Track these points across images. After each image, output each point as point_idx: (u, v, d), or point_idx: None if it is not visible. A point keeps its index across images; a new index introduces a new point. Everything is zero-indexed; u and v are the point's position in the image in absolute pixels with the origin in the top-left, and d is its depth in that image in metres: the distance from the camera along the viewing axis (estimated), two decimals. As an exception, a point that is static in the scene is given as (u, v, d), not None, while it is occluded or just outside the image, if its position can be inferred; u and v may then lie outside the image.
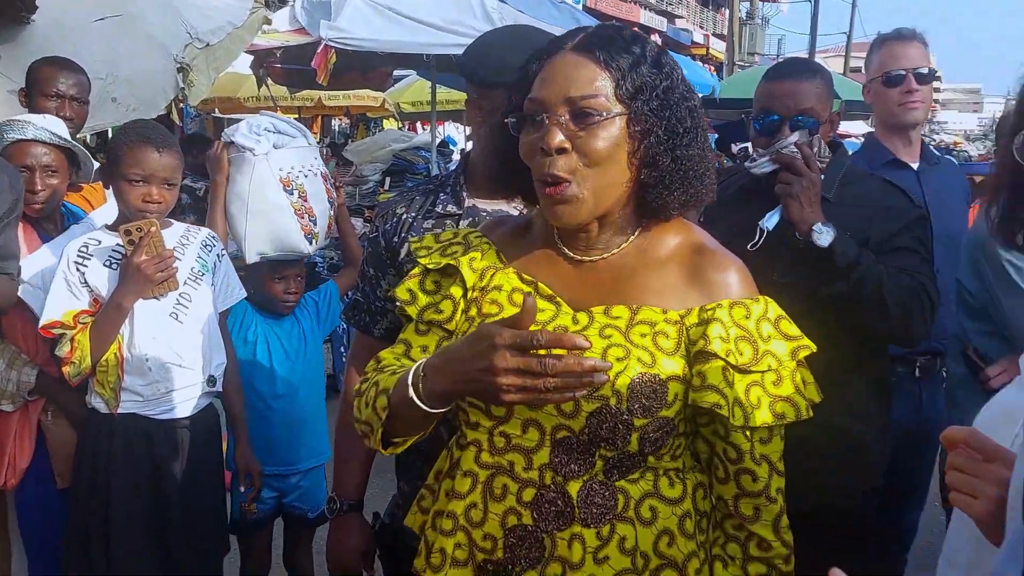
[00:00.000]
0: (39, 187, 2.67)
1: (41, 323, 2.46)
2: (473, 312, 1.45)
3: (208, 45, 4.06)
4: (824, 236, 2.05)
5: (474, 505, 1.39)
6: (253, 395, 2.94)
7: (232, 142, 2.93)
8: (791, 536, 1.40)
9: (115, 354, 2.48)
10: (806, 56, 26.20)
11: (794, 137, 2.15)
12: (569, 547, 1.33)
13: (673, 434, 1.36)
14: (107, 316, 2.45)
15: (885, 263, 2.12)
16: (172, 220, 2.64)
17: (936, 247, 2.61)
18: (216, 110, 10.14)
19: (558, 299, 1.42)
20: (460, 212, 1.94)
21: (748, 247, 2.03)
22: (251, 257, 2.92)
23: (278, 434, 2.99)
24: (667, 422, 1.33)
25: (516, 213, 1.92)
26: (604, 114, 1.30)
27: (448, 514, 1.41)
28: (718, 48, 31.82)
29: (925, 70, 2.87)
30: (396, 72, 7.42)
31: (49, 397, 2.62)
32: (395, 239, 1.97)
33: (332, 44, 5.02)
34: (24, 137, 2.70)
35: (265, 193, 2.89)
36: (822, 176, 2.18)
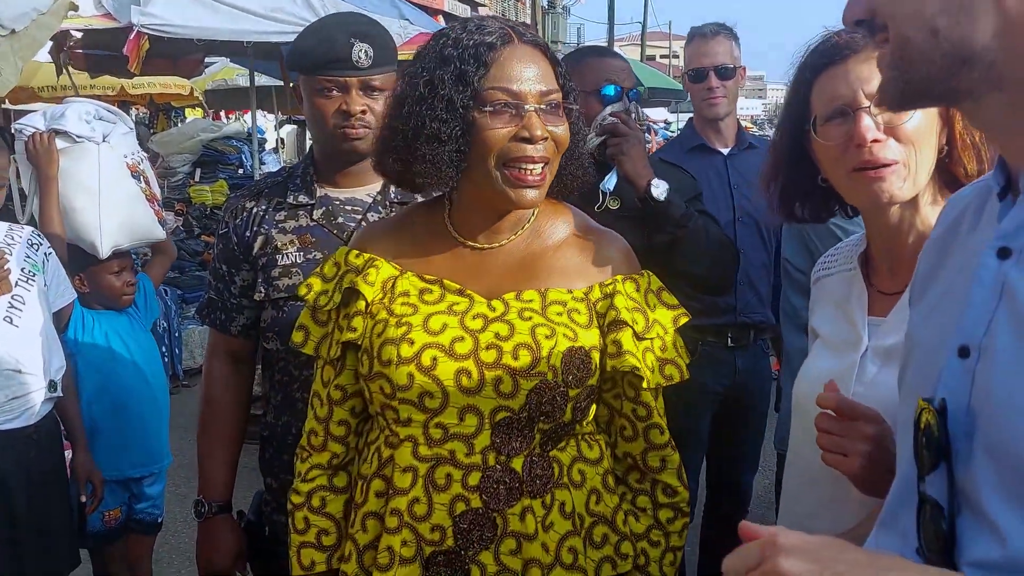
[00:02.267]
0: None
1: None
2: (383, 315, 1.45)
3: (13, 32, 3.78)
4: (660, 189, 2.23)
5: (417, 499, 1.40)
6: (107, 397, 2.83)
7: (60, 131, 2.77)
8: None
9: (-52, 364, 2.32)
10: (605, 44, 27.27)
11: (608, 109, 2.32)
12: (522, 520, 1.40)
13: (593, 400, 1.47)
14: None
15: None
16: None
17: (740, 228, 2.89)
18: (6, 100, 9.35)
19: (468, 291, 1.46)
20: (312, 201, 1.96)
21: (595, 208, 2.19)
22: (105, 252, 2.79)
23: (134, 436, 2.89)
24: (592, 390, 1.45)
25: (370, 200, 1.96)
26: (565, 107, 1.45)
27: (392, 511, 1.41)
28: (521, 36, 32.35)
29: (730, 66, 3.00)
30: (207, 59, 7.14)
31: None
32: (247, 233, 1.96)
33: (145, 31, 4.79)
34: None
35: (117, 182, 2.78)
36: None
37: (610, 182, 2.29)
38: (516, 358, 1.38)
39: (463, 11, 29.99)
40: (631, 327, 1.44)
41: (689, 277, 2.31)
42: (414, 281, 1.48)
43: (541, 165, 1.39)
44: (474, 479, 1.39)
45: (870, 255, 1.48)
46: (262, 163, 8.50)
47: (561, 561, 1.41)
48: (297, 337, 1.56)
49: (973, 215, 0.94)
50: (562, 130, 1.42)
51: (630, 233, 1.66)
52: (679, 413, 2.54)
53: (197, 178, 9.03)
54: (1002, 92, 0.80)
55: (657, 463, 1.52)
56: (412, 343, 1.40)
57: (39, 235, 2.61)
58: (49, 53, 5.92)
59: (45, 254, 2.58)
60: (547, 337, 1.40)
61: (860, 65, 1.34)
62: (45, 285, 2.54)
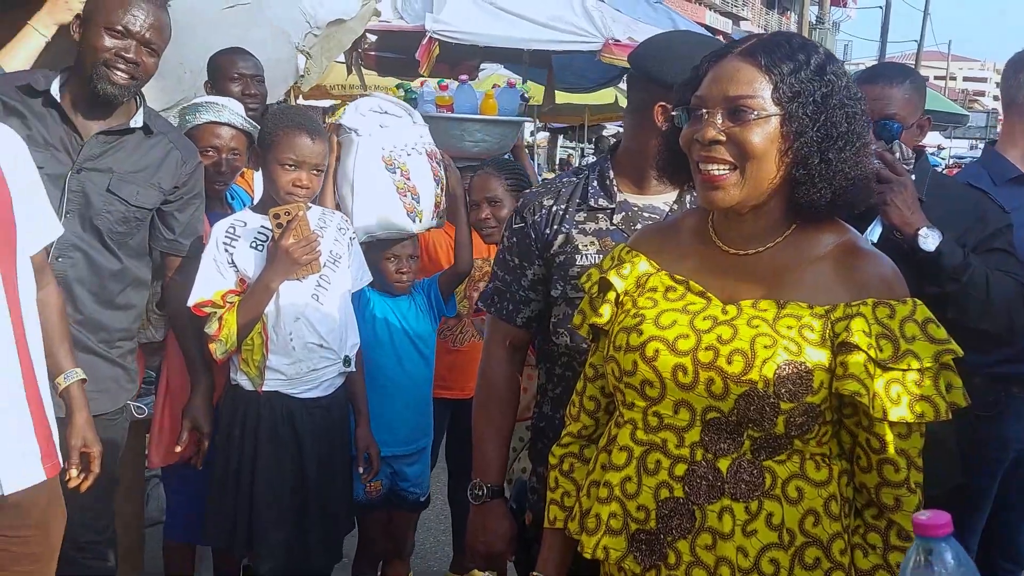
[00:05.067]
0: (224, 168, 2.80)
1: (190, 302, 2.53)
2: (629, 306, 1.56)
3: (323, 35, 4.13)
4: (930, 240, 2.07)
5: (629, 478, 1.49)
6: (375, 373, 2.96)
7: (340, 124, 2.97)
8: None
9: (260, 333, 2.55)
10: (875, 63, 25.74)
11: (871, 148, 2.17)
12: (719, 519, 1.42)
13: (819, 420, 1.42)
14: (254, 296, 2.53)
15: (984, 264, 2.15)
16: (311, 204, 2.70)
17: None
18: (300, 96, 10.29)
19: (708, 294, 1.50)
20: (613, 206, 1.99)
21: None
22: (359, 236, 2.94)
23: (398, 414, 3.01)
24: (813, 408, 1.40)
25: (666, 209, 1.98)
26: (759, 113, 1.41)
27: (604, 483, 1.52)
28: (783, 51, 31.34)
29: None
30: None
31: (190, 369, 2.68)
32: (547, 230, 2.00)
33: (437, 37, 5.07)
34: (219, 120, 2.84)
35: (368, 172, 2.91)
36: (912, 178, 2.19)
37: (874, 232, 2.14)
38: (730, 362, 1.40)
39: (724, 24, 29.61)
40: (865, 352, 1.37)
41: (964, 331, 2.12)
42: (664, 279, 1.56)
43: (721, 167, 1.43)
44: (680, 470, 1.44)
45: None
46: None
47: (760, 570, 1.41)
48: (576, 319, 1.70)
49: None
50: (748, 134, 1.41)
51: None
52: (973, 468, 2.36)
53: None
54: None
55: (891, 501, 1.43)
56: (641, 334, 1.49)
57: (348, 221, 2.80)
58: (344, 53, 6.42)
59: (350, 239, 2.77)
60: (766, 347, 1.40)
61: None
62: (348, 267, 2.72)
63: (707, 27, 27.12)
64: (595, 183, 2.02)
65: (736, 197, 1.44)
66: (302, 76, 4.02)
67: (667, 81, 1.88)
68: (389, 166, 2.94)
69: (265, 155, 2.58)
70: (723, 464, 1.43)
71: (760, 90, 1.42)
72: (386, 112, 3.03)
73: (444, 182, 3.10)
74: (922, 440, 1.44)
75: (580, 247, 1.97)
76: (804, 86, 1.42)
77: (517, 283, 2.06)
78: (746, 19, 32.63)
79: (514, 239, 2.07)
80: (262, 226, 2.58)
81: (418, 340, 3.12)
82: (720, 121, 1.43)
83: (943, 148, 21.89)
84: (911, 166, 2.23)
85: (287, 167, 2.54)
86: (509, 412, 2.11)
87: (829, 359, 1.39)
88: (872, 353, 1.37)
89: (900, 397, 1.37)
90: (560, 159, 18.44)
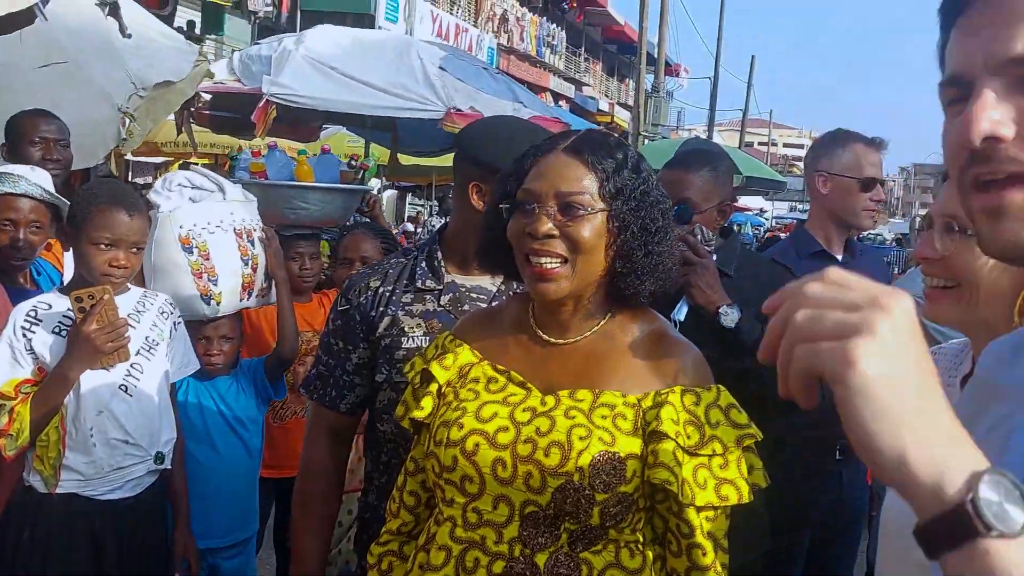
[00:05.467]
0: (22, 243, 2.60)
1: None
2: (451, 398, 1.55)
3: (149, 96, 3.94)
4: (729, 317, 2.20)
5: None
6: (187, 460, 2.76)
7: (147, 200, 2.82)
8: None
9: (57, 428, 2.32)
10: (705, 132, 27.30)
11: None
12: None
13: (633, 508, 1.46)
14: (50, 387, 2.30)
15: None
16: (130, 284, 2.51)
17: None
18: (129, 152, 9.83)
19: (528, 384, 1.53)
20: (440, 287, 1.97)
21: None
22: None
23: (215, 504, 2.83)
24: (626, 497, 1.43)
25: (494, 289, 1.98)
26: (589, 208, 1.46)
27: None
28: (622, 117, 32.88)
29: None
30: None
31: None
32: (372, 312, 1.96)
33: (274, 100, 4.95)
34: (15, 191, 2.64)
35: (165, 251, 2.77)
36: (715, 256, 2.34)
37: (681, 311, 2.26)
38: (547, 455, 1.42)
39: (567, 89, 30.67)
40: (674, 440, 1.41)
41: (766, 402, 2.21)
42: (487, 370, 1.56)
43: (553, 260, 1.46)
44: (498, 567, 1.44)
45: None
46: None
47: None
48: (399, 410, 1.66)
49: (1011, 356, 0.89)
50: (579, 229, 1.46)
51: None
52: (781, 529, 2.46)
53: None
54: None
55: None
56: (461, 427, 1.48)
57: (172, 304, 2.62)
58: (174, 113, 6.19)
59: (175, 323, 2.58)
60: (581, 439, 1.42)
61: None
62: (167, 355, 2.53)
63: (551, 91, 28.07)
64: (423, 264, 2.00)
65: (566, 289, 1.48)
66: (124, 139, 3.81)
67: (484, 161, 1.91)
68: (186, 245, 2.78)
69: (76, 234, 2.38)
70: (541, 559, 1.43)
71: (589, 187, 1.47)
72: (197, 187, 2.89)
73: (258, 261, 2.95)
74: (727, 521, 1.49)
75: (406, 329, 1.93)
76: (626, 183, 1.49)
77: (341, 367, 2.00)
78: (588, 84, 33.96)
79: (339, 321, 2.01)
80: (69, 309, 2.36)
81: (237, 424, 2.96)
82: (553, 215, 1.46)
83: (765, 211, 23.31)
84: (712, 247, 2.34)
85: (102, 247, 2.35)
86: (330, 506, 2.04)
87: (641, 448, 1.43)
88: (680, 440, 1.42)
89: (706, 482, 1.42)
90: (408, 216, 18.45)
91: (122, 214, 2.36)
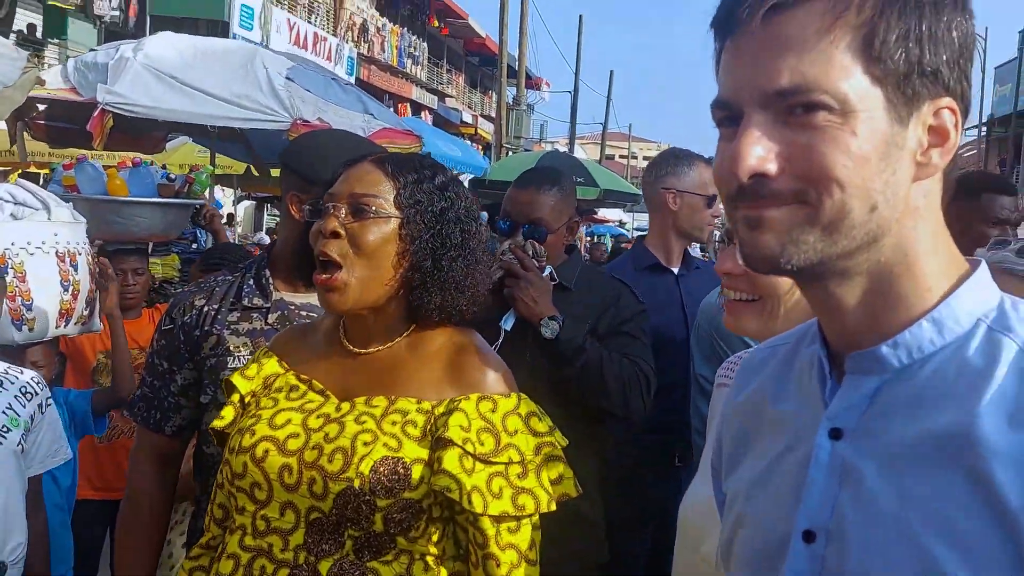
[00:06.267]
0: None
1: None
2: (253, 408, 1.56)
3: (-26, 104, 3.79)
4: (549, 329, 2.30)
5: None
6: None
7: None
8: None
9: None
10: (565, 148, 27.85)
11: (505, 245, 2.41)
12: None
13: (424, 517, 1.45)
14: None
15: (609, 347, 2.40)
16: None
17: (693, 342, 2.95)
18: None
19: (327, 392, 1.54)
20: (268, 305, 1.95)
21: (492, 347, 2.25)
22: None
23: None
24: (412, 503, 1.42)
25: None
26: (378, 211, 1.49)
27: None
28: (486, 128, 33.17)
29: None
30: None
31: None
32: (196, 332, 1.93)
33: (110, 109, 4.82)
34: None
35: None
36: (556, 271, 2.46)
37: (508, 321, 2.36)
38: (331, 461, 1.42)
39: (431, 100, 30.72)
40: (460, 447, 1.41)
41: (598, 413, 2.37)
42: (290, 379, 1.57)
43: (335, 267, 1.47)
44: (283, 575, 1.43)
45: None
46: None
47: None
48: (217, 424, 1.63)
49: (775, 383, 0.95)
50: (364, 231, 1.48)
51: None
52: (618, 534, 2.59)
53: (149, 250, 8.95)
54: (864, 277, 0.82)
55: None
56: (253, 434, 1.48)
57: (40, 384, 2.39)
58: (5, 121, 5.92)
59: (39, 406, 2.35)
60: (365, 444, 1.43)
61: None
62: (21, 444, 2.27)
63: (413, 102, 28.08)
64: (251, 281, 1.98)
65: (350, 298, 1.48)
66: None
67: (301, 173, 1.92)
68: (0, 265, 2.61)
69: None
70: (324, 566, 1.42)
71: (383, 192, 1.50)
72: (20, 202, 2.74)
73: (80, 288, 2.81)
74: (537, 532, 1.47)
75: (232, 349, 1.90)
76: (424, 196, 1.52)
77: (166, 389, 1.96)
78: (451, 95, 34.12)
79: (163, 341, 1.97)
80: None
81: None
82: (343, 216, 1.49)
83: (625, 223, 24.03)
84: (542, 263, 2.46)
85: None
86: (156, 534, 1.99)
87: (428, 455, 1.44)
88: (470, 448, 1.41)
89: (502, 491, 1.41)
90: (268, 228, 18.06)
91: None
